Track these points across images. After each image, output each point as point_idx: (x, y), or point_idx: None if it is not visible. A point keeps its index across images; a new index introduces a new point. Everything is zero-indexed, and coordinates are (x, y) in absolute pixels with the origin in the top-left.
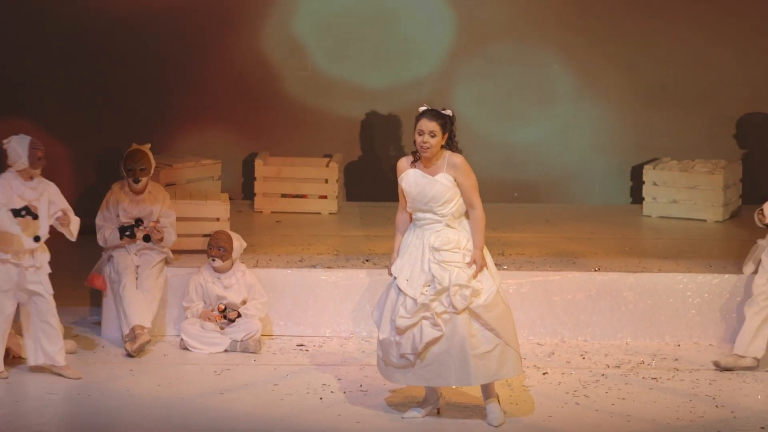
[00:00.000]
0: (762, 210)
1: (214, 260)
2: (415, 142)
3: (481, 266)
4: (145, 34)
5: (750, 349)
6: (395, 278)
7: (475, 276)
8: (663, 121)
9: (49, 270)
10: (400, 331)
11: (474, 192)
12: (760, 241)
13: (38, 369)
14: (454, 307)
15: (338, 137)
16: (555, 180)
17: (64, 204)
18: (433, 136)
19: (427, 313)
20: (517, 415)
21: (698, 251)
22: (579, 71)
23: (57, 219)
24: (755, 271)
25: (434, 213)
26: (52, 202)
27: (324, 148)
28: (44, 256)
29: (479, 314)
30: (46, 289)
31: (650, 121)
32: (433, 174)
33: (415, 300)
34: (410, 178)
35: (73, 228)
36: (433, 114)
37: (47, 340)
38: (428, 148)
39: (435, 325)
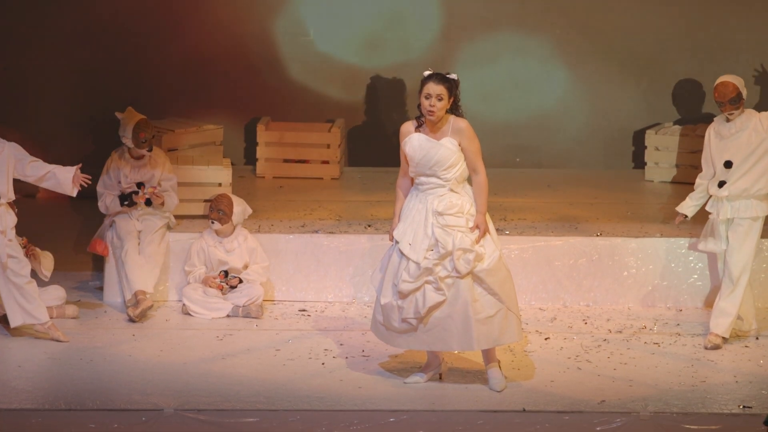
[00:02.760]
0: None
1: (213, 223)
2: (419, 106)
3: (484, 231)
4: None
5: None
6: (397, 243)
7: (478, 241)
8: (665, 85)
9: (14, 233)
10: (403, 296)
11: (478, 157)
12: (712, 216)
13: (26, 334)
14: (457, 271)
15: (340, 102)
16: (557, 145)
17: (31, 158)
18: (440, 100)
19: (430, 278)
20: (519, 380)
21: (700, 216)
22: (581, 35)
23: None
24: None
25: (438, 177)
26: (18, 160)
27: (326, 113)
28: (9, 217)
29: (482, 278)
30: (15, 249)
31: (652, 85)
32: (437, 138)
33: (418, 264)
34: (414, 142)
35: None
36: (440, 78)
37: (24, 298)
38: (435, 111)
39: (438, 289)
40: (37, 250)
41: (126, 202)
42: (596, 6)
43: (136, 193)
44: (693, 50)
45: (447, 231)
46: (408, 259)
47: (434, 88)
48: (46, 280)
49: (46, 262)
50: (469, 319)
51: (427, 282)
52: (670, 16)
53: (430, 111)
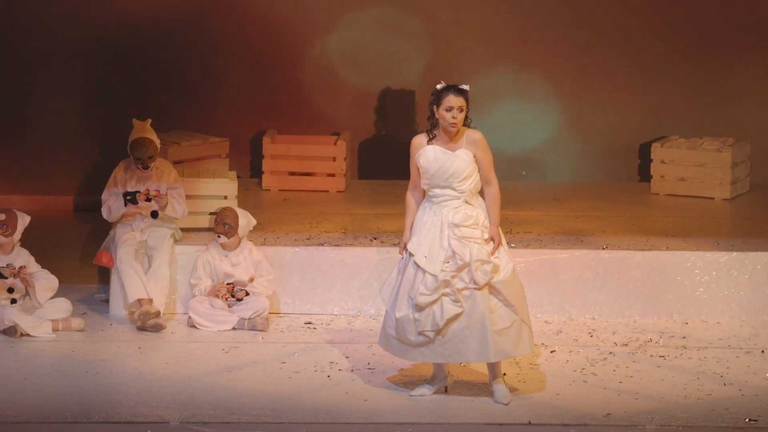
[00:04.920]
0: None
1: (219, 237)
2: (429, 118)
3: (499, 242)
4: (153, 11)
5: None
6: (412, 255)
7: (493, 252)
8: (671, 98)
9: None
10: (420, 309)
11: (491, 168)
12: None
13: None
14: (475, 282)
15: (346, 115)
16: (562, 158)
17: None
18: (460, 111)
19: (448, 290)
20: (525, 393)
21: (706, 229)
22: (586, 49)
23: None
24: None
25: (453, 189)
26: None
27: (332, 126)
28: None
29: (499, 290)
30: None
31: (658, 98)
32: (452, 150)
33: (435, 277)
34: (429, 154)
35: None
36: (458, 89)
37: None
38: (457, 123)
39: (456, 301)
40: (29, 277)
41: (128, 198)
42: (602, 20)
43: (140, 192)
44: (699, 64)
45: (463, 243)
46: (424, 271)
47: (455, 100)
48: (39, 307)
49: (42, 290)
50: (486, 331)
51: (444, 294)
52: (677, 29)
53: (452, 123)
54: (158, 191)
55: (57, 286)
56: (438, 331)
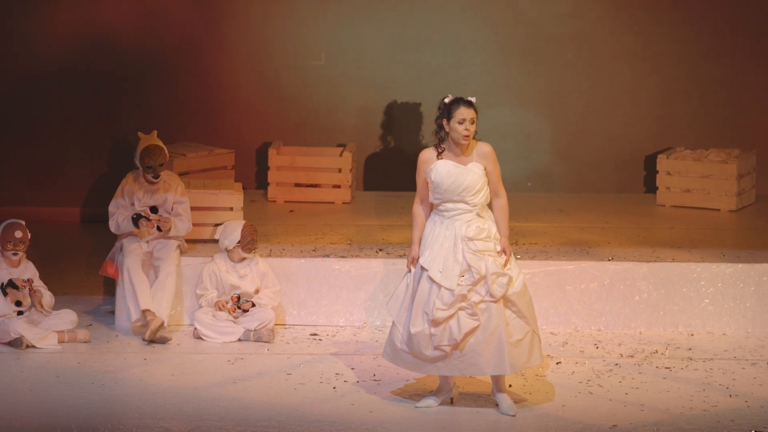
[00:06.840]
0: None
1: (252, 252)
2: (437, 132)
3: (510, 254)
4: (157, 22)
5: None
6: (425, 270)
7: (505, 264)
8: (676, 109)
9: None
10: (437, 323)
11: (500, 180)
12: None
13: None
14: (492, 295)
15: (351, 126)
16: (568, 169)
17: None
18: (472, 123)
19: (464, 304)
20: (531, 405)
21: (712, 240)
22: (592, 61)
23: None
24: None
25: (466, 203)
26: None
27: (337, 137)
28: None
29: (514, 301)
30: None
31: (664, 109)
32: (464, 163)
33: (452, 291)
34: (441, 168)
35: None
36: (468, 102)
37: None
38: (470, 136)
39: (472, 314)
40: (39, 290)
41: (137, 221)
42: (608, 32)
43: (147, 218)
44: (705, 75)
45: (478, 256)
46: (440, 286)
47: (467, 113)
48: (47, 315)
49: (47, 300)
50: (502, 343)
51: (460, 308)
52: (682, 42)
53: (465, 135)
54: (161, 216)
55: (53, 304)
56: (455, 346)
